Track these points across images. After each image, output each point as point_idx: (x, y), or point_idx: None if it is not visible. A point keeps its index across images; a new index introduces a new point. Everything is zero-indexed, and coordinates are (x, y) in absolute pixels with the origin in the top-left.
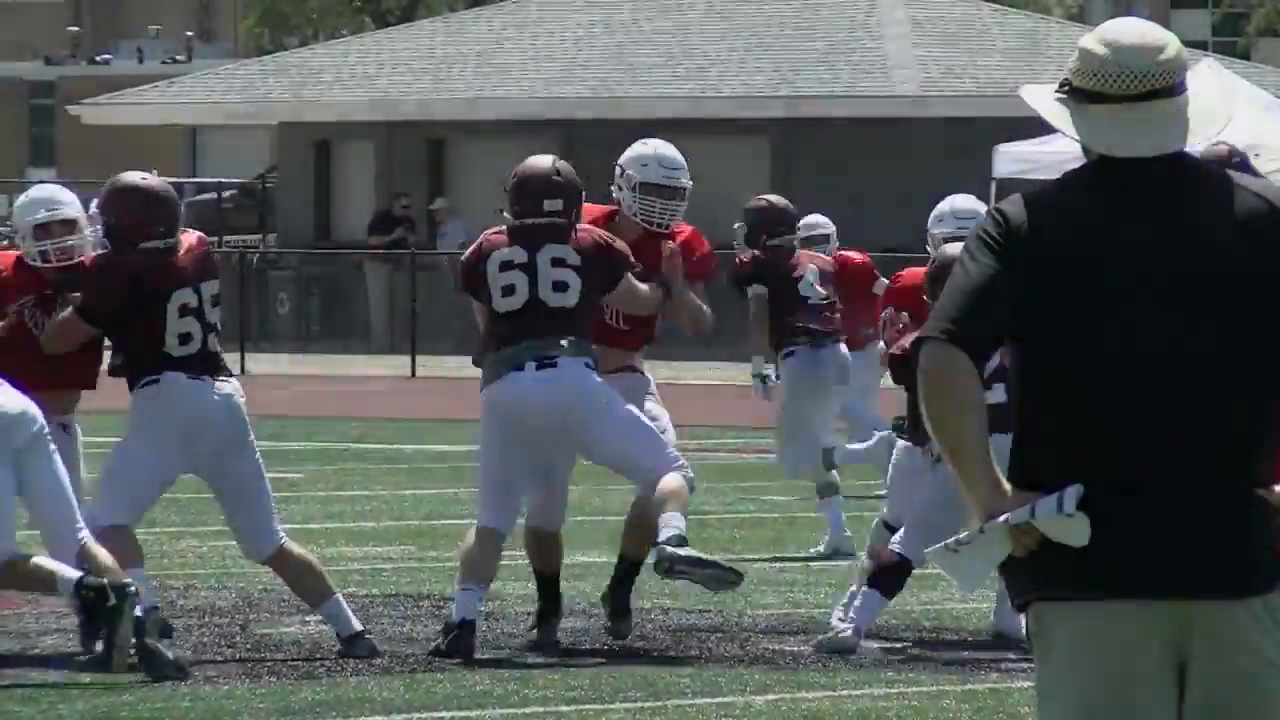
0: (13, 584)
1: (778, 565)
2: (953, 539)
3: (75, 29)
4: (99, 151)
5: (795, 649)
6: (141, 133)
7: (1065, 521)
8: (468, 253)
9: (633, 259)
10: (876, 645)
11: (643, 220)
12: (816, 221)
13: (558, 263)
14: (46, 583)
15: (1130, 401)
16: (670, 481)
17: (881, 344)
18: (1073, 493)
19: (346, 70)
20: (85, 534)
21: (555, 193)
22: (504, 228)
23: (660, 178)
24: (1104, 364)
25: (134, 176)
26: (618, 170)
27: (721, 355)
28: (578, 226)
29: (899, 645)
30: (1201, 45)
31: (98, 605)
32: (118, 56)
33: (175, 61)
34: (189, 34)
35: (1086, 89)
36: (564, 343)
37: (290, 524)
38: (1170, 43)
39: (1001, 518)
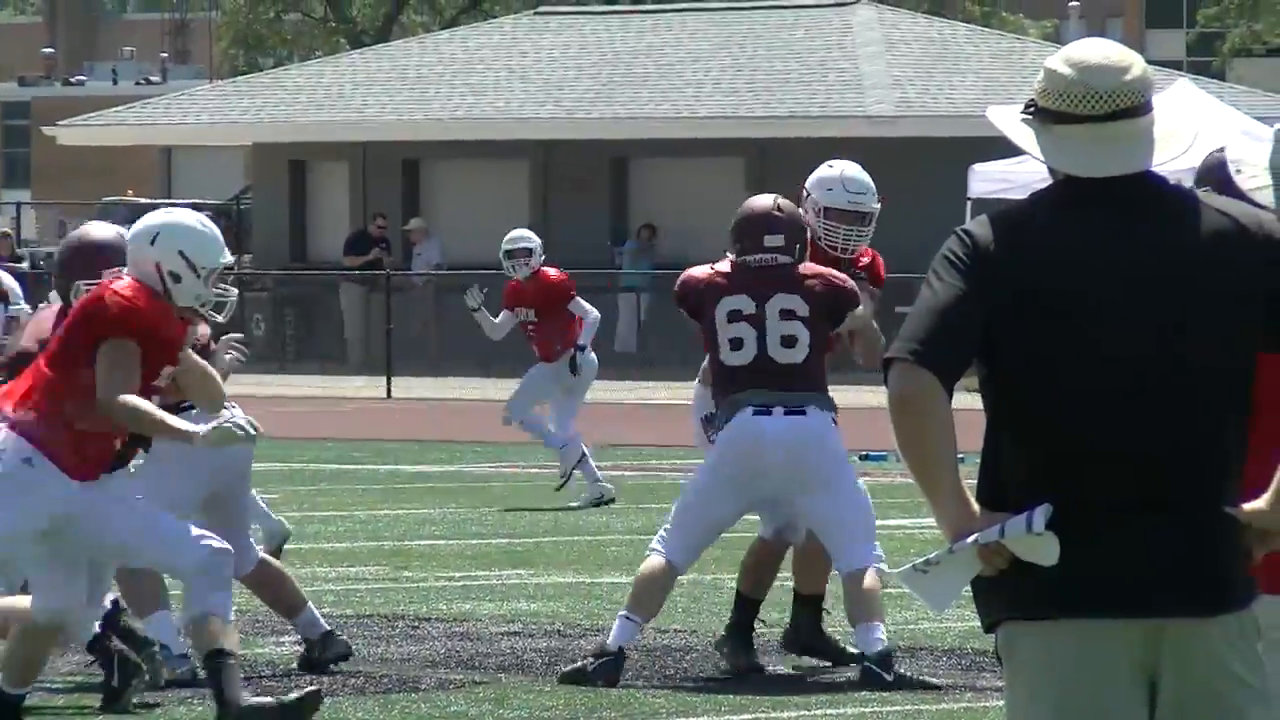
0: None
1: None
2: (921, 559)
3: (50, 50)
4: (74, 172)
5: (770, 668)
6: (116, 154)
7: (1034, 541)
8: (692, 271)
9: (856, 293)
10: (852, 665)
11: (826, 245)
12: (519, 235)
13: (786, 314)
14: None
15: (1098, 420)
16: (871, 581)
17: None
18: (1041, 512)
19: (321, 91)
20: None
21: (776, 228)
22: (728, 266)
23: (845, 202)
24: (1071, 383)
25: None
26: (804, 194)
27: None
28: (805, 272)
29: None
30: (1176, 65)
31: (111, 667)
32: (92, 78)
33: (150, 83)
34: (163, 55)
35: (1052, 109)
36: (811, 396)
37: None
38: (1135, 63)
39: (970, 538)
